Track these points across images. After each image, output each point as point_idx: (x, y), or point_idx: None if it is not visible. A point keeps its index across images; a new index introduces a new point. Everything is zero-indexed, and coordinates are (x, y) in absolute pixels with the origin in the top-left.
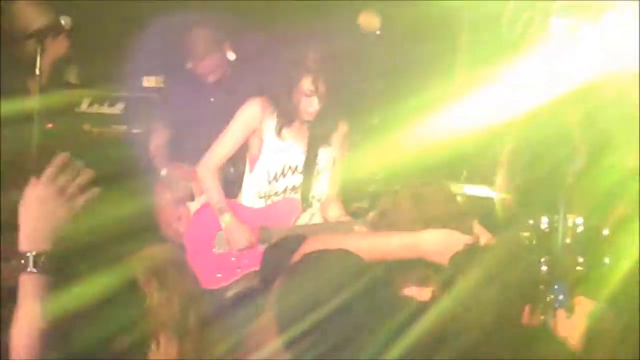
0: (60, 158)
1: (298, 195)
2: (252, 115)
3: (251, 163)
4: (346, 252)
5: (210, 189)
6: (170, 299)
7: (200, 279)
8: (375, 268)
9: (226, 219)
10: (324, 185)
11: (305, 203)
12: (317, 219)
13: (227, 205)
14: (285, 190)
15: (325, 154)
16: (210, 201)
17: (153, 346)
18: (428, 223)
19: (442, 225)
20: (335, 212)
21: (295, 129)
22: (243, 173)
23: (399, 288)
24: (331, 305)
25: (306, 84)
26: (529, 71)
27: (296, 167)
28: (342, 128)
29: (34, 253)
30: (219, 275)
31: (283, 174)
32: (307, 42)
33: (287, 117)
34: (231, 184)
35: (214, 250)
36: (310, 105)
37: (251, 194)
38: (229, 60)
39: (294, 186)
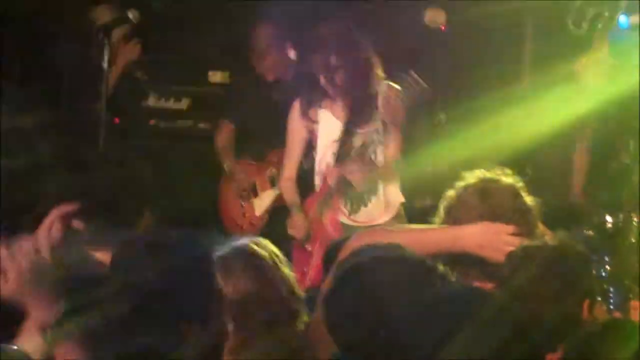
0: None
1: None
2: (294, 119)
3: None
4: (399, 246)
5: (289, 198)
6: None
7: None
8: (432, 262)
9: (294, 211)
10: (379, 159)
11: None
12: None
13: (298, 202)
14: (340, 177)
15: (373, 122)
16: (288, 205)
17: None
18: (493, 219)
19: (507, 222)
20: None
21: (336, 108)
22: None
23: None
24: (389, 302)
25: (315, 60)
26: (596, 69)
27: (346, 148)
28: (388, 95)
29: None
30: (305, 269)
31: (334, 158)
32: (319, 22)
33: (310, 99)
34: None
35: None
36: (329, 81)
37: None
38: (290, 59)
39: (346, 169)
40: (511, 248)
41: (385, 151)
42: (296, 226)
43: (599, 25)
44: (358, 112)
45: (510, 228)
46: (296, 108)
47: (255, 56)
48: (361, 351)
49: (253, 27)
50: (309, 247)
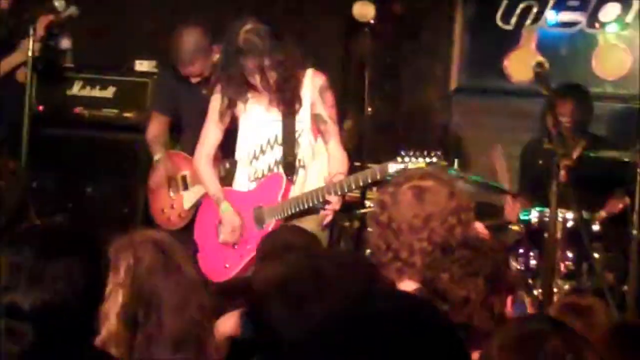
0: None
1: (281, 169)
2: (216, 102)
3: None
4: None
5: (206, 180)
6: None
7: (212, 273)
8: None
9: (223, 208)
10: (305, 148)
11: (289, 172)
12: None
13: (223, 195)
14: (270, 168)
15: (302, 116)
16: (208, 192)
17: None
18: (428, 219)
19: (442, 221)
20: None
21: (265, 102)
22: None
23: None
24: None
25: (245, 63)
26: (523, 65)
27: (275, 139)
28: (315, 82)
29: None
30: (227, 265)
31: (262, 151)
32: (241, 22)
33: (231, 97)
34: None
35: (219, 241)
36: (260, 80)
37: (242, 179)
38: (212, 64)
39: (275, 160)
40: None
41: (329, 146)
42: (231, 232)
43: (527, 21)
44: (287, 104)
45: None
46: (217, 98)
47: (180, 61)
48: None
49: (178, 34)
50: (235, 245)
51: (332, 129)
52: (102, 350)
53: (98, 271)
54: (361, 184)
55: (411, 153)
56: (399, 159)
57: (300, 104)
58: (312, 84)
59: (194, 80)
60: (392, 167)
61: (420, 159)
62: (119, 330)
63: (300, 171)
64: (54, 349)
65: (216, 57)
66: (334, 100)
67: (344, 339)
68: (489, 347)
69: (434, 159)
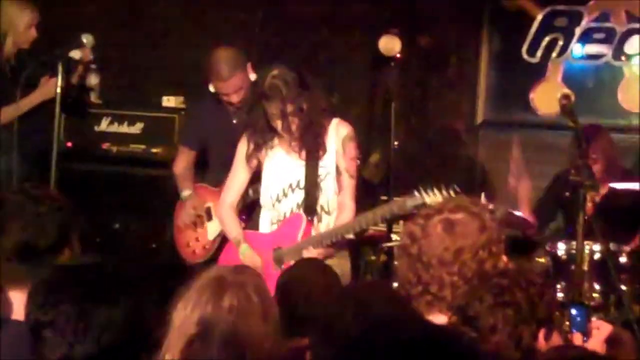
0: None
1: (302, 211)
2: (243, 147)
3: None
4: None
5: (227, 225)
6: None
7: None
8: None
9: (242, 250)
10: (329, 195)
11: (309, 214)
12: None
13: (243, 237)
14: (292, 211)
15: (325, 162)
16: (229, 236)
17: None
18: (459, 252)
19: (472, 254)
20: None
21: (288, 147)
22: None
23: None
24: None
25: (268, 108)
26: (548, 97)
27: (297, 183)
28: (340, 131)
29: None
30: None
31: (284, 194)
32: (270, 68)
33: (256, 141)
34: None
35: None
36: (282, 126)
37: (265, 222)
38: (250, 81)
39: (297, 204)
40: None
41: (340, 193)
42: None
43: (553, 54)
44: (309, 150)
45: None
46: (243, 143)
47: (219, 77)
48: None
49: (212, 51)
50: None
51: (346, 181)
52: None
53: (142, 317)
54: (379, 220)
55: (428, 188)
56: (417, 194)
57: (325, 151)
58: (337, 134)
59: (235, 99)
60: (410, 203)
61: (438, 194)
62: None
63: (324, 217)
64: None
65: (252, 75)
66: (356, 153)
67: None
68: None
69: (452, 194)
